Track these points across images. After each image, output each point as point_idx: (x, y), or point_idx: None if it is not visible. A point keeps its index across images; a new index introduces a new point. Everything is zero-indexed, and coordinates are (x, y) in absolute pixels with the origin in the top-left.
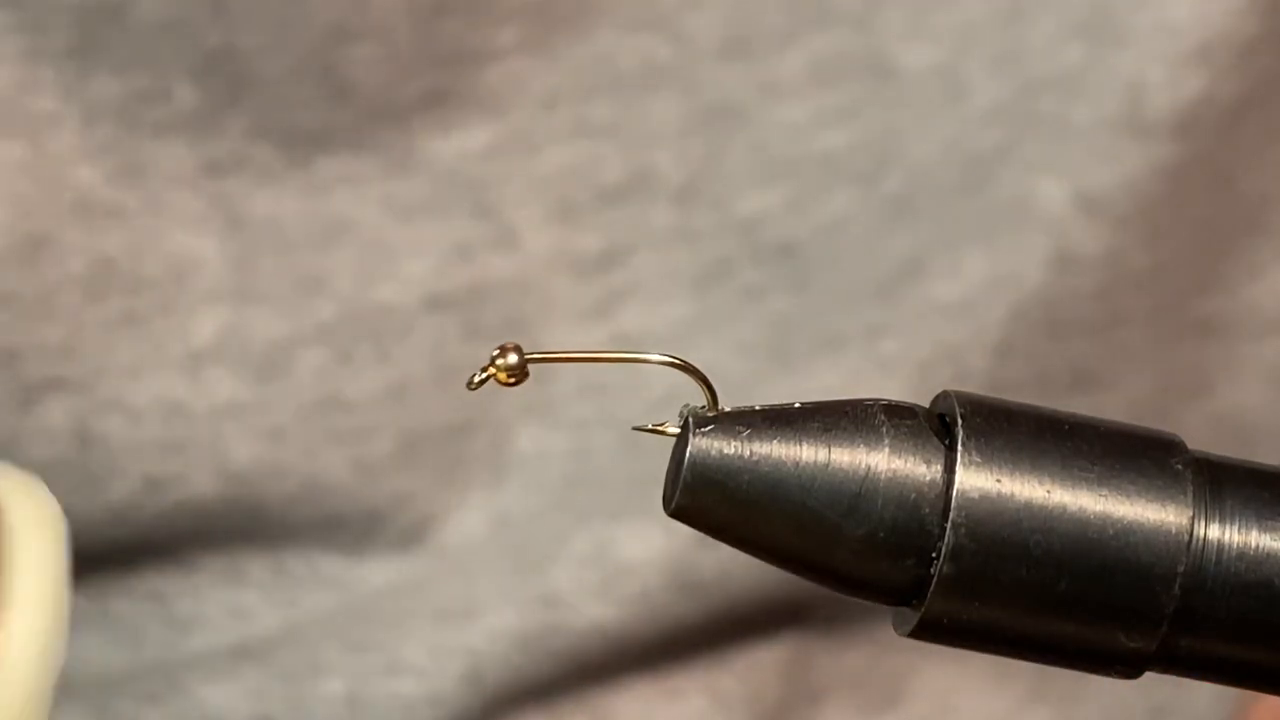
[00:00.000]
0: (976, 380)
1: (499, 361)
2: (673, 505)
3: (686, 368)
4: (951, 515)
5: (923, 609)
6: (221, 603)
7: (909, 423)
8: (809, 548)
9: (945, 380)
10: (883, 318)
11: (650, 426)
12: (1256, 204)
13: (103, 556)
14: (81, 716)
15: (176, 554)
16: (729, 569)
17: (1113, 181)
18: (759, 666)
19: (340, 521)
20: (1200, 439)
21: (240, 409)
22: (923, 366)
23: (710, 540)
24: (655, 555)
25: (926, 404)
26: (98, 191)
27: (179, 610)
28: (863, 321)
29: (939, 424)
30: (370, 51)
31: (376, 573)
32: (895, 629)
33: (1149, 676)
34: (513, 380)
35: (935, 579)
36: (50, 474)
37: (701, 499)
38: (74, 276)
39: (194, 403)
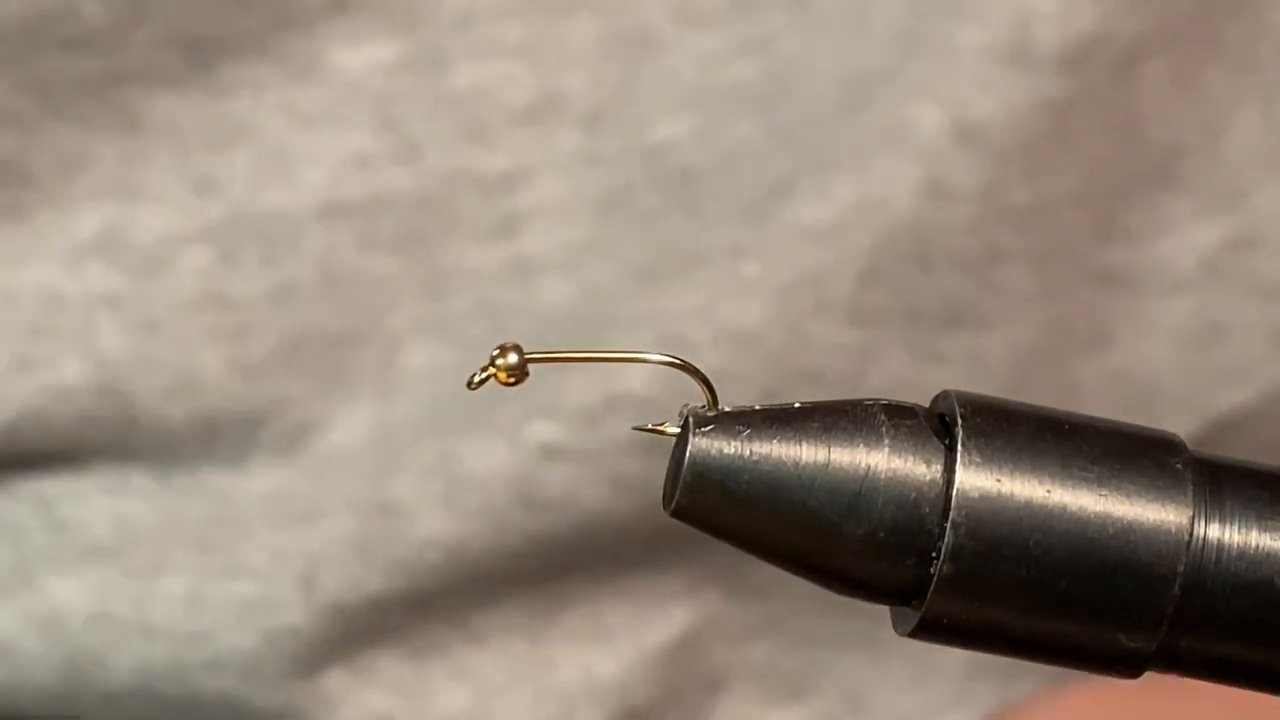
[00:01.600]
0: (840, 307)
1: (499, 361)
2: (673, 505)
3: (686, 367)
4: (951, 515)
5: (923, 609)
6: (106, 509)
7: (909, 422)
8: (809, 548)
9: (807, 305)
10: (746, 238)
11: (650, 426)
12: (1166, 155)
13: None
14: None
15: (56, 453)
16: (576, 488)
17: (991, 111)
18: (642, 643)
19: (215, 424)
20: (1096, 392)
21: (117, 300)
22: (784, 290)
23: (555, 458)
24: (498, 469)
25: (786, 335)
26: None
27: (63, 514)
28: (726, 241)
29: (939, 424)
30: None
31: (255, 480)
32: (895, 629)
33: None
34: (513, 380)
35: (935, 579)
36: None
37: (701, 499)
38: None
39: (70, 292)
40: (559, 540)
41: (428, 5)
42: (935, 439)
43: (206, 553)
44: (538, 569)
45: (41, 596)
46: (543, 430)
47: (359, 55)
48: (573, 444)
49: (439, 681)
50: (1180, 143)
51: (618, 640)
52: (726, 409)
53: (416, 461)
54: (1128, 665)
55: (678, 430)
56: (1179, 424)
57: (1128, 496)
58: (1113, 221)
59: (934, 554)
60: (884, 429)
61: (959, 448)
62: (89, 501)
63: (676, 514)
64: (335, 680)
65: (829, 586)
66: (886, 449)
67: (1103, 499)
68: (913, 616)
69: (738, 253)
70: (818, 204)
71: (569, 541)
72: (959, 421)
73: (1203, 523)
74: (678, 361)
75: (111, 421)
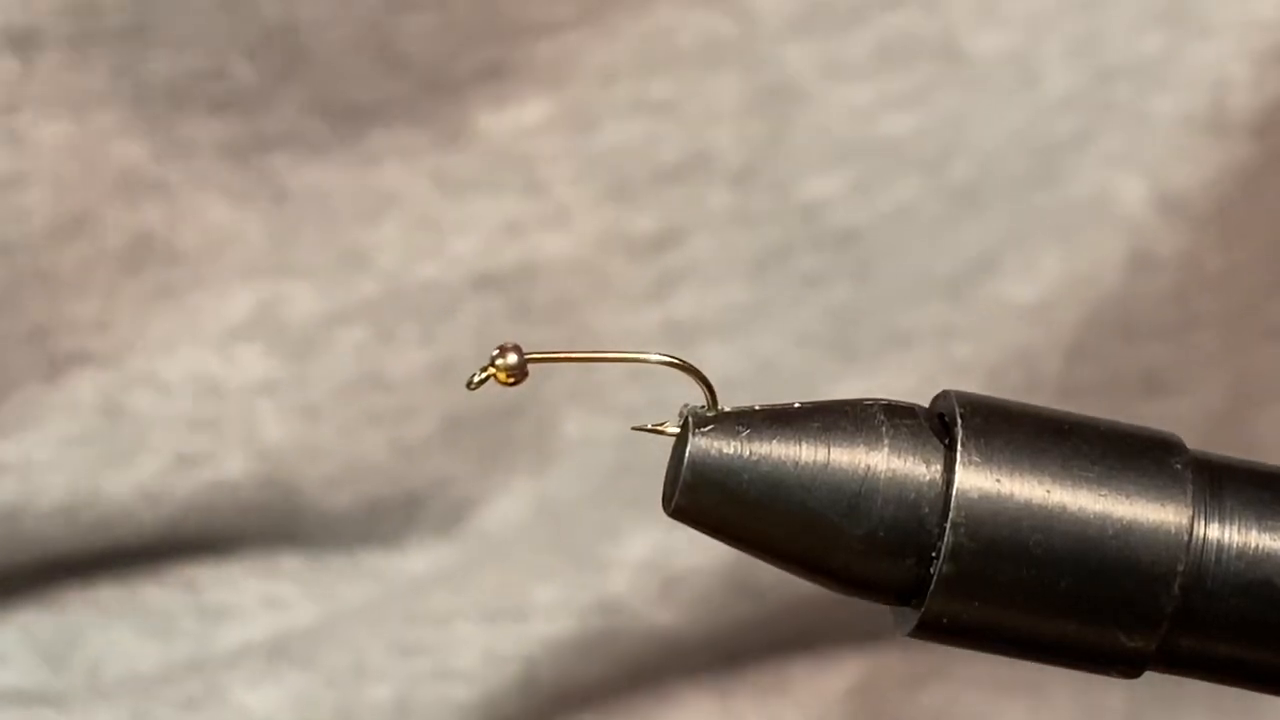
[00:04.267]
0: (1049, 385)
1: (499, 361)
2: (672, 505)
3: (686, 367)
4: (951, 515)
5: (922, 609)
6: (255, 593)
7: (908, 423)
8: (809, 548)
9: (1016, 384)
10: (954, 317)
11: (650, 426)
12: None
13: (134, 541)
14: None
15: (210, 542)
16: (789, 576)
17: (1192, 181)
18: (822, 692)
19: (378, 506)
20: (1277, 448)
21: (275, 386)
22: (994, 370)
23: None
24: (714, 558)
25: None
26: (142, 168)
27: (211, 600)
28: (933, 320)
29: (939, 424)
30: (427, 22)
31: (417, 562)
32: (895, 629)
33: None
34: (512, 380)
35: (935, 579)
36: (77, 448)
37: (701, 499)
38: (111, 251)
39: (227, 379)
40: (772, 626)
41: (571, 65)
42: (935, 439)
43: (410, 654)
44: (746, 658)
45: (233, 708)
46: None
47: (505, 118)
48: None
49: None
50: None
51: (798, 691)
52: (726, 409)
53: (625, 552)
54: (1128, 665)
55: (677, 430)
56: None
57: (1127, 496)
58: None
59: (934, 554)
60: (884, 429)
61: (959, 448)
62: (238, 586)
63: (676, 514)
64: None
65: (829, 586)
66: (886, 449)
67: (1102, 499)
68: (913, 616)
69: (944, 331)
70: (1024, 280)
71: (781, 627)
72: (959, 421)
73: (1202, 523)
74: (677, 361)
75: (270, 510)
